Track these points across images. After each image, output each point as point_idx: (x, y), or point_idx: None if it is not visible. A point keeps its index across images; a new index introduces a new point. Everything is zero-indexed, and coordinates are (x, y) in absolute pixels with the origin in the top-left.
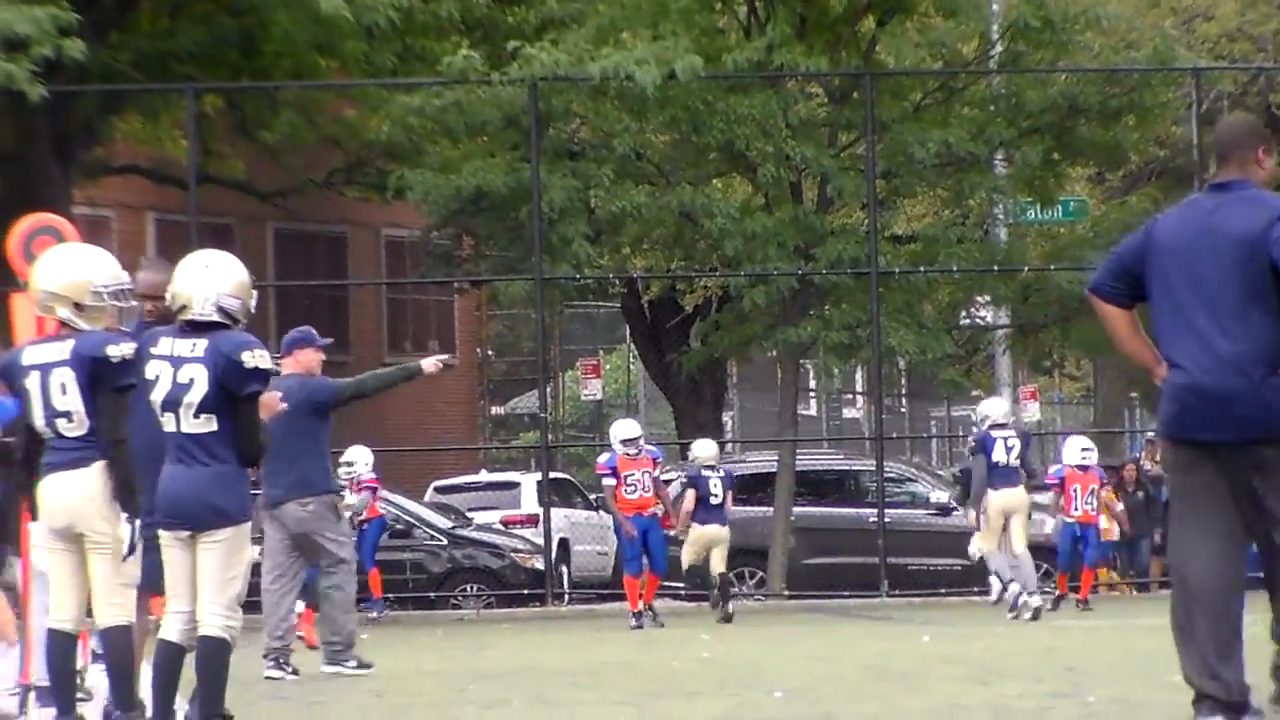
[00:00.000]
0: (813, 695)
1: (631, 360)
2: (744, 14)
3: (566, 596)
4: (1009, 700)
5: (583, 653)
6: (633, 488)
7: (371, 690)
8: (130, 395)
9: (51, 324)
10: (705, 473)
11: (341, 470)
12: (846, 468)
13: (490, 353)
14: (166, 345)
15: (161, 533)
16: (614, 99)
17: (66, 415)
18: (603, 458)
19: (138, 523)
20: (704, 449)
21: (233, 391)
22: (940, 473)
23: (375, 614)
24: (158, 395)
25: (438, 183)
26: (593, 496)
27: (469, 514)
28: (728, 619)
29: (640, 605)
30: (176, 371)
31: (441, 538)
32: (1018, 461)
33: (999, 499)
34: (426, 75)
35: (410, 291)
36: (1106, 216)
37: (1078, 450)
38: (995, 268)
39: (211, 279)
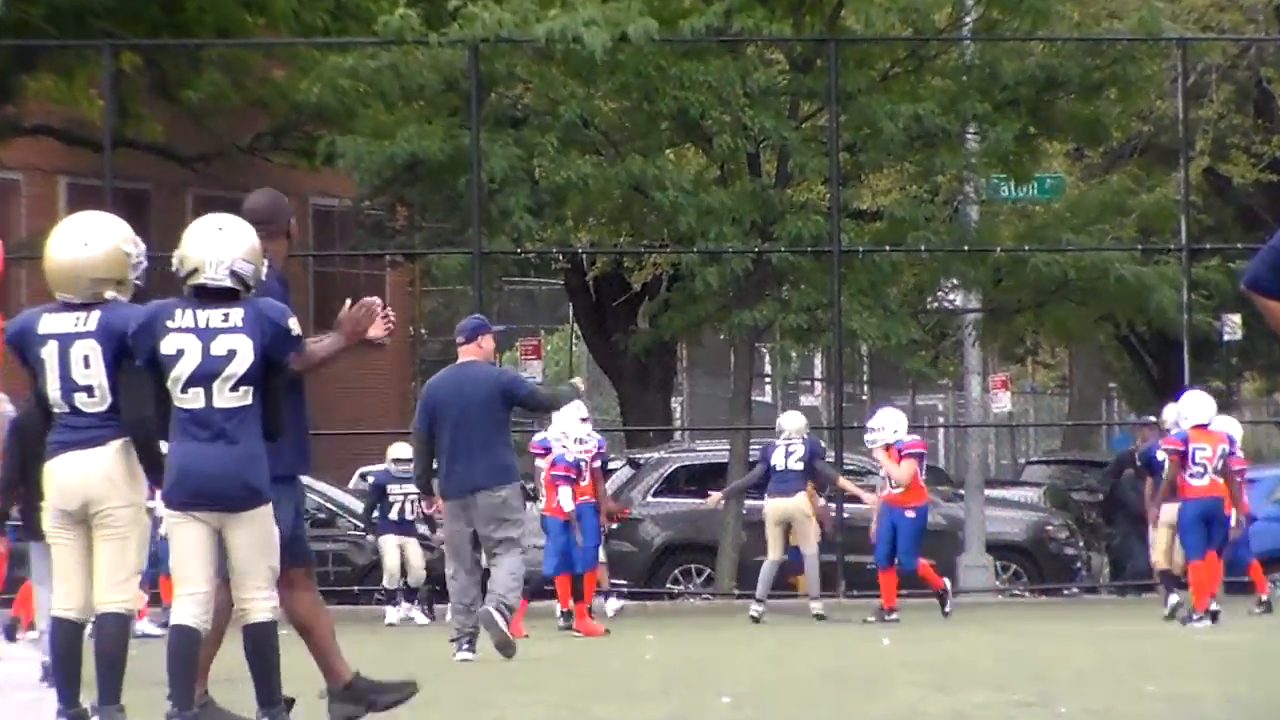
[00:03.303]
0: (763, 701)
1: (574, 341)
2: None
3: None
4: (972, 710)
5: (519, 651)
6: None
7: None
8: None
9: None
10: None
11: None
12: None
13: (424, 331)
14: (187, 317)
15: (178, 514)
16: (560, 63)
17: (88, 390)
18: (539, 435)
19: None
20: None
21: (276, 360)
22: None
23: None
24: (183, 370)
25: (370, 149)
26: (529, 486)
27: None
28: None
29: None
30: (209, 343)
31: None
32: (799, 466)
33: (771, 507)
34: (360, 35)
35: (339, 265)
36: (1085, 195)
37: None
38: (965, 248)
39: (225, 242)
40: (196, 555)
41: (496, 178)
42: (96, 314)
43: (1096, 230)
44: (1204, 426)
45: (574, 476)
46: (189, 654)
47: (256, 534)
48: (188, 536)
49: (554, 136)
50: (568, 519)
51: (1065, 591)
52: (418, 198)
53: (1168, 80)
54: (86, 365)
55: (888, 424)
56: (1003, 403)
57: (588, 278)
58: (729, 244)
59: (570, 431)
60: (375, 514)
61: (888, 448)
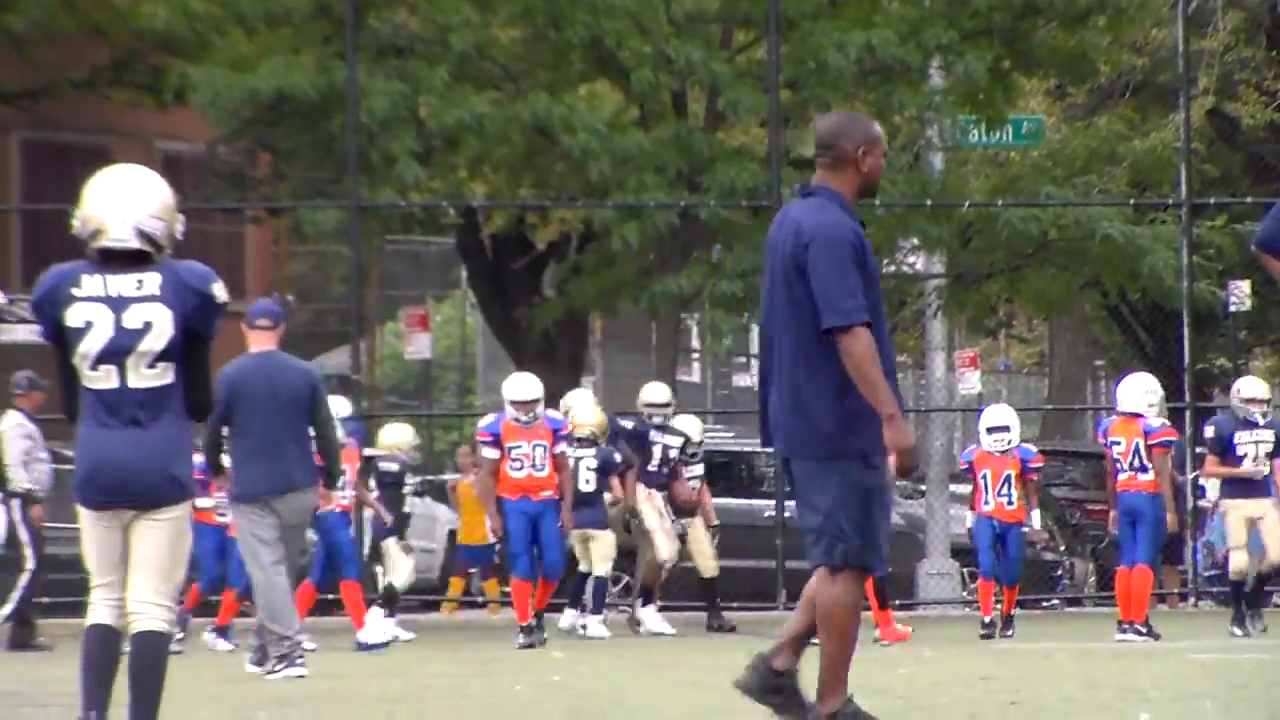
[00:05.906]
0: None
1: (468, 310)
2: None
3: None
4: None
5: (403, 675)
6: (519, 463)
7: None
8: None
9: None
10: None
11: None
12: (737, 449)
13: (291, 298)
14: (95, 284)
15: (91, 513)
16: None
17: None
18: (485, 420)
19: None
20: None
21: (199, 333)
22: None
23: None
24: (92, 344)
25: (228, 84)
26: (416, 480)
27: None
28: None
29: (531, 617)
30: (121, 314)
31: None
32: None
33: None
34: None
35: (191, 220)
36: (1069, 141)
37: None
38: (928, 203)
39: (130, 197)
40: (113, 554)
41: (376, 118)
42: None
43: (1081, 182)
44: (1129, 415)
45: None
46: (108, 657)
47: (170, 532)
48: (102, 537)
49: (444, 70)
50: None
51: (1044, 603)
52: (284, 141)
53: (1165, 6)
54: None
55: None
56: (971, 383)
57: (484, 236)
58: (650, 196)
59: None
60: None
61: None
